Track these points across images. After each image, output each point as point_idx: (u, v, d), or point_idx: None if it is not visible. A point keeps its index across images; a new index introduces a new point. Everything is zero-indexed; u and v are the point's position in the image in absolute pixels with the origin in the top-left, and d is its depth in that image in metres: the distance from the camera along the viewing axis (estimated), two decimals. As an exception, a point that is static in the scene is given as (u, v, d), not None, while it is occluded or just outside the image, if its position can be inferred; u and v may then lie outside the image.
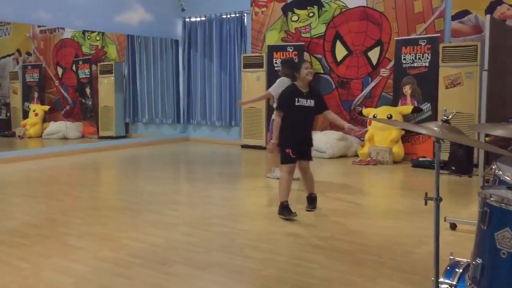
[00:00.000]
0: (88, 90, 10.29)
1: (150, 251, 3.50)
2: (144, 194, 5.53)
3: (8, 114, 10.26)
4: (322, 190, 5.63)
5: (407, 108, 7.43)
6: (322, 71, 8.59)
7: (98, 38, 10.34)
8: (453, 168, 6.37)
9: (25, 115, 10.12)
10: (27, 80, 10.21)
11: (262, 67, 8.90)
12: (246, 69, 9.09)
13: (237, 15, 9.54)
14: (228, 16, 9.67)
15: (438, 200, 1.95)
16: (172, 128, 10.73)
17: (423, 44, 7.37)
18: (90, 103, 10.32)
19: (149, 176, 6.57)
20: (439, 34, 7.38)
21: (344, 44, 8.37)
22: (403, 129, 7.44)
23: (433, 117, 7.25)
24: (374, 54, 8.10)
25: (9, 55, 10.22)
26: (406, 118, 7.48)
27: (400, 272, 3.11)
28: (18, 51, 10.17)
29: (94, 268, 3.18)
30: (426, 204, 2.03)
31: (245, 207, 4.91)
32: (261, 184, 6.04)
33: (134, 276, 3.05)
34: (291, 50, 8.61)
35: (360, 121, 8.24)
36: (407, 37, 7.65)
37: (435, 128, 1.91)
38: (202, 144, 10.05)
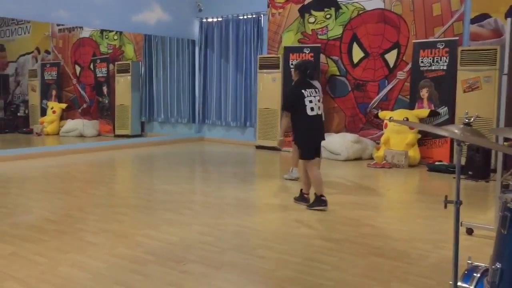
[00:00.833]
0: (105, 89, 10.38)
1: (165, 249, 3.52)
2: (159, 192, 5.57)
3: (27, 111, 10.39)
4: (336, 192, 5.61)
5: (424, 112, 7.37)
6: (338, 73, 8.56)
7: (115, 37, 10.44)
8: (470, 173, 6.31)
9: (43, 112, 10.24)
10: (45, 78, 10.34)
11: (278, 68, 8.89)
12: (262, 70, 9.10)
13: (254, 16, 9.56)
14: (245, 17, 9.69)
15: (458, 203, 1.94)
16: (187, 127, 10.78)
17: (441, 47, 7.31)
18: (106, 101, 10.42)
19: (164, 175, 6.61)
20: (457, 38, 7.30)
21: (361, 46, 8.33)
22: (419, 133, 7.38)
23: (450, 121, 7.18)
24: (391, 57, 8.05)
25: (28, 53, 10.36)
26: (422, 121, 7.41)
27: (415, 276, 3.09)
28: (37, 49, 10.30)
29: (110, 264, 3.21)
30: (445, 207, 2.01)
31: (260, 208, 4.92)
32: (275, 184, 6.04)
33: (149, 273, 3.08)
34: (307, 52, 8.60)
35: (376, 124, 8.19)
36: (425, 40, 7.59)
37: (456, 131, 1.90)
38: (216, 144, 10.08)
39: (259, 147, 9.15)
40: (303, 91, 4.66)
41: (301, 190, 4.89)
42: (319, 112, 4.71)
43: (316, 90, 4.78)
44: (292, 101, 4.72)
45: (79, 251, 3.46)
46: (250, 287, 2.97)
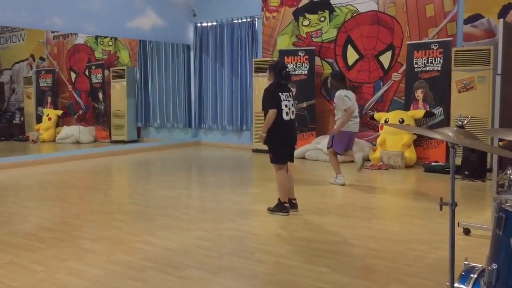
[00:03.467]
0: (100, 95, 10.37)
1: (163, 255, 3.52)
2: (157, 198, 5.56)
3: (22, 118, 10.37)
4: (333, 195, 5.63)
5: (419, 113, 7.40)
6: (333, 76, 8.57)
7: (110, 43, 10.44)
8: (466, 172, 6.32)
9: (39, 119, 10.22)
10: (40, 85, 10.32)
11: (273, 71, 8.89)
12: (258, 74, 9.11)
13: (248, 20, 9.58)
14: (239, 21, 9.71)
15: (454, 205, 1.95)
16: (184, 132, 10.77)
17: (435, 48, 7.34)
18: (102, 107, 10.41)
19: (161, 181, 6.60)
20: (451, 38, 7.34)
21: (355, 48, 8.36)
22: (415, 134, 7.40)
23: (445, 122, 7.21)
24: (385, 58, 8.08)
25: (23, 61, 10.34)
26: (418, 122, 7.44)
27: (413, 277, 3.10)
28: (32, 56, 10.29)
29: (108, 271, 3.20)
30: (441, 209, 2.02)
31: (257, 212, 4.91)
32: (272, 188, 6.03)
33: (147, 279, 3.07)
34: (302, 55, 8.62)
35: (372, 126, 8.21)
36: (419, 41, 7.62)
37: (450, 134, 1.91)
38: (213, 148, 10.08)
39: (255, 151, 9.15)
40: (280, 94, 4.58)
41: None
42: (293, 117, 4.65)
43: (291, 93, 4.72)
44: (270, 100, 4.57)
45: (76, 258, 3.45)
46: (248, 291, 2.97)
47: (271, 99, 4.58)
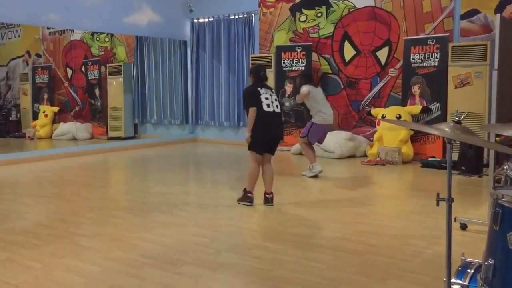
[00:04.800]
0: (97, 91, 10.35)
1: (160, 251, 3.52)
2: (154, 194, 5.56)
3: (18, 115, 10.34)
4: (331, 191, 5.63)
5: (416, 108, 7.40)
6: (330, 71, 8.58)
7: (107, 39, 10.40)
8: (463, 168, 6.34)
9: (35, 116, 10.20)
10: (37, 82, 10.29)
11: (270, 67, 8.88)
12: (254, 70, 9.08)
13: (245, 15, 9.56)
14: (236, 16, 9.69)
15: (450, 201, 1.95)
16: (181, 128, 10.76)
17: (432, 43, 7.34)
18: (99, 104, 10.38)
19: (158, 177, 6.60)
20: (448, 34, 7.34)
21: (352, 44, 8.35)
22: (412, 129, 7.41)
23: (442, 117, 7.21)
24: (382, 54, 8.07)
25: (19, 57, 10.31)
26: (415, 118, 7.45)
27: (410, 273, 3.11)
28: (28, 52, 10.26)
29: (105, 268, 3.20)
30: (438, 205, 2.02)
31: (254, 208, 4.92)
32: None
33: (144, 276, 3.07)
34: (299, 51, 8.61)
35: (369, 121, 8.22)
36: (415, 36, 7.62)
37: (447, 129, 1.91)
38: (210, 144, 10.07)
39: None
40: (258, 89, 4.82)
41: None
42: (277, 110, 4.83)
43: (272, 90, 4.97)
44: (249, 99, 4.85)
45: (73, 255, 3.44)
46: (245, 287, 2.97)
47: (249, 98, 4.86)
